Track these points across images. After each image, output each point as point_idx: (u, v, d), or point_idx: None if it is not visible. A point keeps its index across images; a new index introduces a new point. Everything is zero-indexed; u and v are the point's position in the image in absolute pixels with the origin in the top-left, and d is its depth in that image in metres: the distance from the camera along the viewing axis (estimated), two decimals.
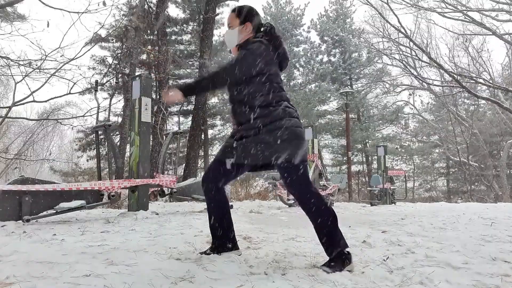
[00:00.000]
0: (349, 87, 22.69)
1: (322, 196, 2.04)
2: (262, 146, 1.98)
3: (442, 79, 17.00)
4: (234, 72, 2.00)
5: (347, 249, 1.96)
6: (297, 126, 2.04)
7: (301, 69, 25.08)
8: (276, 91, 2.07)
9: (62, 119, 12.00)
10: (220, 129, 21.86)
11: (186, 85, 2.08)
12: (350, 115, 18.70)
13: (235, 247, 2.27)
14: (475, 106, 22.65)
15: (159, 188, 5.26)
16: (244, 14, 2.19)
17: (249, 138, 2.04)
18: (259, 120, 2.02)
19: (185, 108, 19.04)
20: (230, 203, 2.31)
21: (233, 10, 2.24)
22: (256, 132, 2.01)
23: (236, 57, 2.05)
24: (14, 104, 8.91)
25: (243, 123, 2.08)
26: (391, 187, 9.58)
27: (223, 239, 2.22)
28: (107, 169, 10.94)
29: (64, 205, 4.05)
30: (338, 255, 1.93)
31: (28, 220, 3.73)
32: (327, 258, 1.97)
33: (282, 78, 2.71)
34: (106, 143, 5.55)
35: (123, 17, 14.64)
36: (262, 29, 2.20)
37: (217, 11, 13.67)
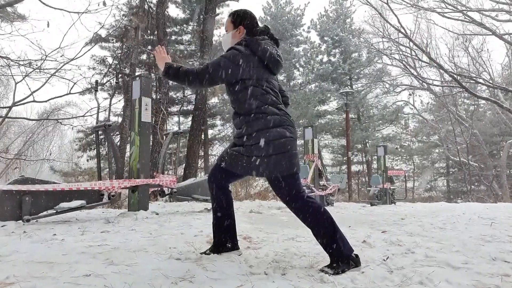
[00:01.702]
0: (349, 87, 22.69)
1: (315, 202, 2.01)
2: (246, 160, 2.01)
3: (442, 79, 16.99)
4: (204, 76, 2.00)
5: (354, 253, 1.96)
6: (281, 137, 1.97)
7: (301, 69, 25.08)
8: (260, 97, 2.03)
9: (62, 119, 11.99)
10: (220, 129, 21.88)
11: (171, 66, 2.09)
12: (350, 115, 18.72)
13: (235, 247, 2.27)
14: (475, 106, 22.65)
15: (159, 188, 5.26)
16: (237, 18, 2.22)
17: (236, 148, 2.08)
18: (244, 129, 2.04)
19: (185, 108, 19.05)
20: None
21: (229, 15, 2.28)
22: (242, 142, 2.04)
23: (207, 63, 2.06)
24: (14, 104, 8.92)
25: (237, 129, 2.12)
26: (391, 187, 9.58)
27: (223, 238, 2.22)
28: (107, 169, 10.94)
29: (64, 205, 4.05)
30: (339, 258, 1.91)
31: (28, 220, 3.73)
32: (328, 258, 1.97)
33: (282, 78, 2.71)
34: (106, 143, 5.55)
35: (123, 17, 14.64)
36: (254, 31, 2.21)
37: (217, 11, 13.69)
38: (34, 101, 9.05)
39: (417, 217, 4.75)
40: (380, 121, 24.39)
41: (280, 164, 1.95)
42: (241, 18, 2.21)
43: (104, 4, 8.22)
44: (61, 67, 8.95)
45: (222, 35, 2.38)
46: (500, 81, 17.90)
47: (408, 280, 1.76)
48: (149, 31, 15.03)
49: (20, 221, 3.74)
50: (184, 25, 18.85)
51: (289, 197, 2.00)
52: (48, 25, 8.64)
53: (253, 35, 2.17)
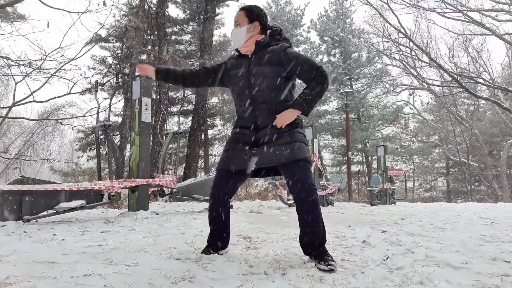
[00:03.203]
0: (349, 87, 22.70)
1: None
2: (287, 147, 2.03)
3: (442, 79, 17.00)
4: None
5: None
6: (301, 131, 2.16)
7: None
8: (294, 96, 2.19)
9: (62, 119, 12.02)
10: (220, 129, 21.88)
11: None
12: (350, 115, 18.71)
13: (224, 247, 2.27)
14: (475, 106, 22.65)
15: (159, 188, 5.26)
16: (254, 13, 2.19)
17: (278, 141, 2.05)
18: (272, 125, 2.08)
19: (185, 108, 19.05)
20: (230, 203, 2.30)
21: (242, 8, 2.23)
22: (279, 136, 2.06)
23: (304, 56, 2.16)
24: (14, 104, 8.93)
25: (263, 126, 2.09)
26: (391, 187, 9.58)
27: (218, 243, 2.23)
28: (107, 169, 10.94)
29: (64, 205, 4.06)
30: (325, 252, 2.00)
31: (28, 220, 3.73)
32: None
33: None
34: (106, 143, 5.56)
35: (123, 17, 14.64)
36: (270, 31, 2.21)
37: (217, 11, 13.69)
38: (34, 101, 9.07)
39: (417, 217, 4.75)
40: (380, 121, 24.39)
41: (306, 150, 2.07)
42: (256, 14, 2.19)
43: (104, 4, 8.23)
44: (61, 67, 8.97)
45: (231, 29, 2.35)
46: (500, 81, 17.91)
47: (408, 280, 1.76)
48: (149, 31, 15.03)
49: (20, 221, 3.75)
50: (184, 25, 18.86)
51: (309, 183, 2.00)
52: (48, 25, 8.64)
53: (265, 33, 2.19)
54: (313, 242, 2.00)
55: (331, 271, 1.86)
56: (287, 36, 2.26)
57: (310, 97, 2.05)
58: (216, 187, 2.17)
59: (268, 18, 2.28)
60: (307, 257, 2.08)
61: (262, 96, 2.09)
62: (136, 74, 6.70)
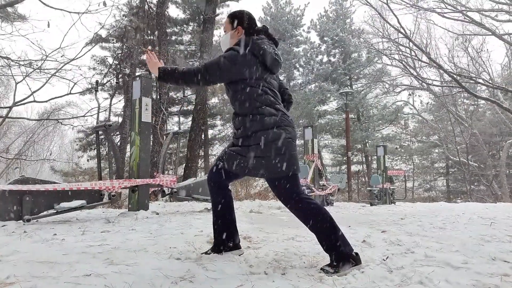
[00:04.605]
0: (349, 87, 22.69)
1: (315, 203, 2.01)
2: (243, 160, 2.01)
3: (442, 79, 16.99)
4: (201, 75, 2.02)
5: (354, 251, 1.96)
6: (277, 138, 1.98)
7: (301, 69, 25.09)
8: (257, 97, 2.04)
9: (63, 119, 12.02)
10: (220, 129, 21.88)
11: (165, 70, 2.14)
12: (350, 115, 18.71)
13: (237, 246, 2.27)
14: (475, 106, 22.64)
15: (160, 188, 5.26)
16: (235, 18, 2.23)
17: (234, 148, 2.09)
18: (242, 129, 2.06)
19: (185, 108, 19.04)
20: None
21: (228, 16, 2.29)
22: (240, 142, 2.06)
23: (205, 62, 2.08)
24: (15, 104, 8.93)
25: (236, 130, 2.14)
26: (391, 187, 9.58)
27: (224, 237, 2.23)
28: (108, 169, 10.94)
29: (65, 205, 4.06)
30: (340, 257, 1.91)
31: (28, 220, 3.73)
32: (327, 257, 1.98)
33: (282, 78, 2.73)
34: (107, 143, 5.56)
35: (124, 17, 14.65)
36: (252, 31, 2.21)
37: (217, 11, 13.69)
38: (34, 101, 9.07)
39: (417, 217, 4.75)
40: (380, 121, 24.38)
41: (277, 166, 1.96)
42: (238, 19, 2.22)
43: (105, 4, 8.23)
44: (62, 67, 8.97)
45: (221, 36, 2.43)
46: (500, 81, 17.90)
47: (408, 280, 1.76)
48: (149, 31, 15.03)
49: (21, 221, 3.75)
50: (184, 25, 18.85)
51: (287, 198, 2.00)
52: (48, 25, 8.64)
53: (251, 36, 2.18)
54: (322, 246, 1.99)
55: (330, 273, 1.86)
56: (271, 34, 2.24)
57: (169, 70, 2.08)
58: (210, 171, 2.25)
59: (255, 20, 2.28)
60: (310, 257, 2.09)
61: (232, 101, 2.15)
62: (137, 74, 6.71)
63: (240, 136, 2.06)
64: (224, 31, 2.28)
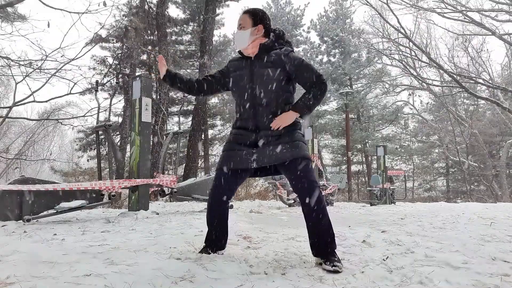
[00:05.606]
0: (349, 87, 22.70)
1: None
2: (287, 146, 2.06)
3: (442, 79, 17.01)
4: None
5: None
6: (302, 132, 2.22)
7: None
8: (292, 97, 2.22)
9: (63, 119, 12.02)
10: (220, 129, 21.87)
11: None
12: (350, 115, 18.72)
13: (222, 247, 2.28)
14: (475, 106, 22.66)
15: (160, 188, 5.27)
16: (258, 16, 2.21)
17: (273, 141, 2.09)
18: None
19: (185, 108, 19.04)
20: (230, 203, 2.31)
21: (247, 11, 2.24)
22: (279, 136, 2.09)
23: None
24: (15, 104, 8.93)
25: (263, 127, 2.12)
26: (391, 187, 9.58)
27: (214, 242, 2.23)
28: (108, 169, 10.94)
29: (65, 204, 4.06)
30: (333, 252, 2.00)
31: (28, 220, 3.73)
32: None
33: None
34: (107, 143, 5.56)
35: (123, 17, 14.65)
36: (272, 34, 2.23)
37: (217, 11, 13.69)
38: (34, 101, 9.08)
39: (417, 217, 4.75)
40: (380, 121, 24.40)
41: (306, 149, 2.13)
42: (260, 18, 2.22)
43: (105, 4, 8.23)
44: (62, 67, 8.97)
45: (235, 32, 2.37)
46: (500, 81, 17.90)
47: (408, 280, 1.76)
48: (149, 31, 15.03)
49: (21, 221, 3.75)
50: (184, 25, 18.84)
51: (311, 180, 2.02)
52: (48, 25, 8.65)
53: (268, 36, 2.21)
54: (320, 242, 2.00)
55: (335, 272, 1.86)
56: (288, 39, 2.29)
57: (310, 102, 2.10)
58: (215, 187, 2.17)
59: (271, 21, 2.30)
60: (310, 256, 2.09)
61: (264, 98, 2.11)
62: (137, 74, 6.71)
63: (276, 133, 2.10)
64: (241, 27, 2.20)
